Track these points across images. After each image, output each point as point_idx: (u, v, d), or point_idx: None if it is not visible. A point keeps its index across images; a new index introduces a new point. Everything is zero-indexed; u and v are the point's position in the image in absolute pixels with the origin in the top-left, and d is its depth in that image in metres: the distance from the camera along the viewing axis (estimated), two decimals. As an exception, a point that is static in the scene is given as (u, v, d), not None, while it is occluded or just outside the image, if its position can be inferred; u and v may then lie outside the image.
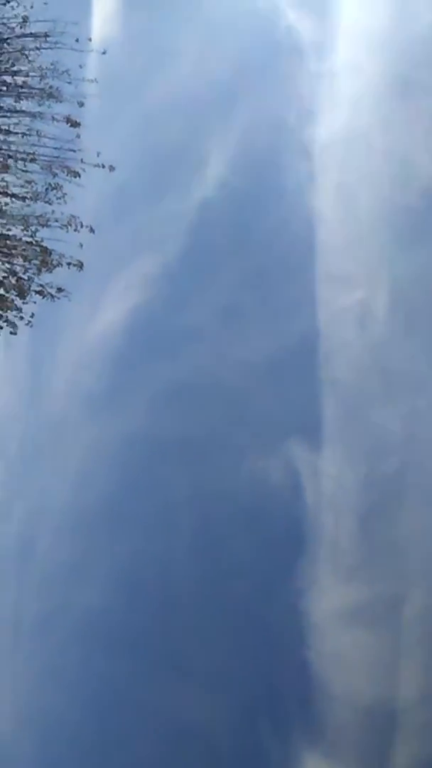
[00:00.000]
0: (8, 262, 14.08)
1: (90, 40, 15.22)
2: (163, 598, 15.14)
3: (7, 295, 14.04)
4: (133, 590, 15.22)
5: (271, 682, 14.73)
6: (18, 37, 14.47)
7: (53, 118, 14.51)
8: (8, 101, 14.37)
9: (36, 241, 14.23)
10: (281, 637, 14.82)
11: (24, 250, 14.08)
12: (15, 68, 14.49)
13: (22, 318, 14.22)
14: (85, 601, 14.92)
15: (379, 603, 14.76)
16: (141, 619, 15.03)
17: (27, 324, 14.23)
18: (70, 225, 14.35)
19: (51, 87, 14.56)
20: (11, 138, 14.39)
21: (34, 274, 14.19)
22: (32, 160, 14.37)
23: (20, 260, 14.05)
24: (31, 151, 14.38)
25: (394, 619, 14.65)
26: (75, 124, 14.49)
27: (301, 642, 14.64)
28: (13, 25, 14.54)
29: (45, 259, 14.08)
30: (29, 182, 14.37)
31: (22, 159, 14.26)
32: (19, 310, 14.13)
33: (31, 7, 14.45)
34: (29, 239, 14.20)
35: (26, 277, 14.16)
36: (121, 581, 15.16)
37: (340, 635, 14.63)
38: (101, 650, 15.10)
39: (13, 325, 14.19)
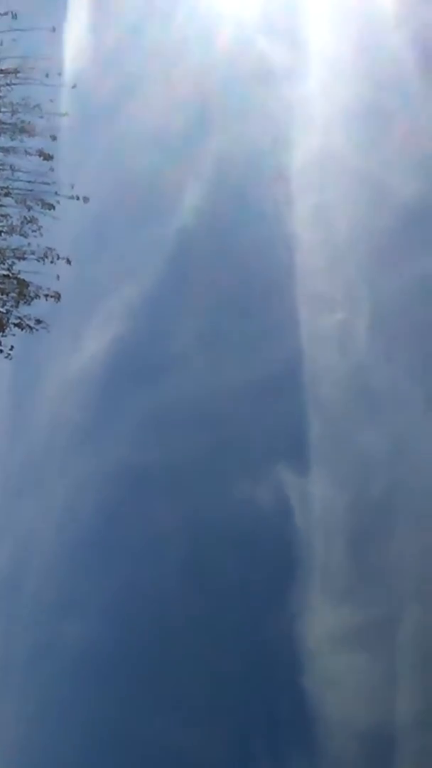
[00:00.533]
0: (-15, 296, 14.09)
1: (60, 74, 15.38)
2: (154, 627, 14.97)
3: (-15, 328, 14.02)
4: (124, 621, 15.06)
5: (266, 709, 14.54)
6: (-12, 74, 14.58)
7: (26, 152, 14.64)
8: (-19, 138, 14.47)
9: (13, 274, 14.25)
10: (275, 663, 14.65)
11: (1, 283, 14.08)
12: (-13, 104, 14.58)
13: (1, 351, 14.19)
14: (76, 633, 14.76)
15: (373, 626, 14.63)
16: (133, 649, 14.85)
17: (6, 357, 14.19)
18: (47, 257, 14.41)
19: (23, 122, 14.69)
20: (-15, 173, 14.45)
21: (12, 306, 14.19)
22: (6, 194, 14.44)
23: (-3, 294, 14.06)
24: (5, 186, 14.44)
25: (388, 642, 14.51)
26: (48, 158, 14.60)
27: (295, 667, 14.48)
28: (-17, 62, 14.66)
29: (22, 291, 14.11)
30: (4, 216, 14.41)
31: (-4, 193, 14.32)
32: (-2, 343, 14.11)
33: (1, 43, 14.58)
34: (6, 272, 14.22)
35: (4, 310, 14.15)
36: (111, 613, 14.99)
37: (334, 659, 14.48)
38: (93, 682, 14.90)
39: (-8, 358, 14.14)
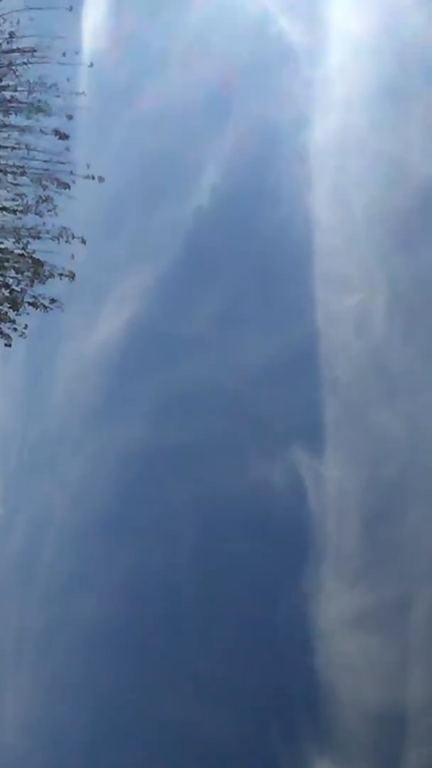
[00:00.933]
0: (1, 275, 14.16)
1: (77, 53, 15.38)
2: (167, 606, 15.05)
3: (0, 307, 14.12)
4: (138, 600, 15.15)
5: (278, 690, 14.57)
6: (5, 52, 14.60)
7: (42, 132, 14.67)
8: (-3, 116, 14.53)
9: (28, 253, 14.33)
10: (288, 644, 14.67)
11: (16, 262, 14.16)
12: (3, 83, 14.62)
13: (15, 329, 14.28)
14: (89, 612, 14.87)
15: (386, 607, 14.59)
16: (146, 628, 14.94)
17: (21, 335, 14.29)
18: (62, 237, 14.46)
19: (39, 101, 14.72)
20: (1, 152, 14.49)
21: (26, 285, 14.28)
22: (22, 174, 14.51)
23: (12, 272, 14.13)
24: (21, 165, 14.51)
25: (401, 623, 14.46)
26: (64, 137, 14.63)
27: (307, 648, 14.49)
28: (0, 41, 14.69)
29: (37, 270, 14.18)
30: (20, 195, 14.48)
31: (12, 173, 14.39)
32: (13, 321, 14.20)
33: (18, 22, 14.60)
34: (21, 251, 14.29)
35: (19, 289, 14.23)
36: (125, 591, 15.10)
37: (347, 640, 14.46)
38: (106, 661, 15.02)
39: (7, 337, 14.25)
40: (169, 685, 14.85)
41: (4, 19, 14.73)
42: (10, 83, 14.62)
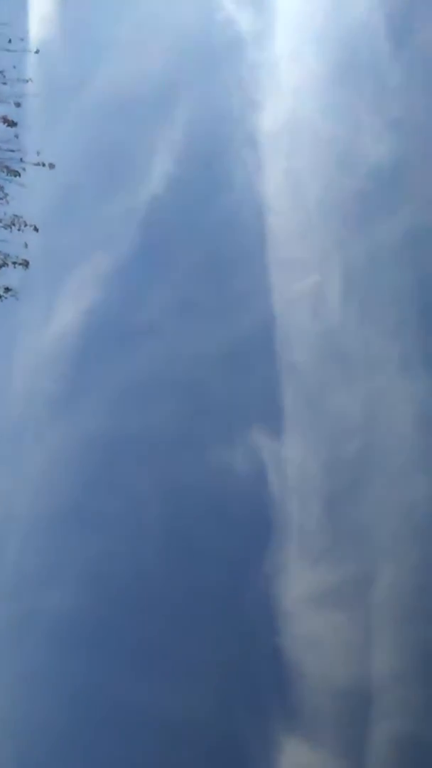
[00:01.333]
0: None
1: (23, 40, 15.20)
2: (133, 593, 15.07)
3: None
4: (104, 588, 15.15)
5: (245, 671, 14.69)
6: None
7: (-10, 119, 14.46)
8: None
9: (-21, 243, 14.15)
10: (253, 625, 14.79)
11: (-33, 251, 13.99)
12: None
13: (-31, 320, 14.10)
14: (56, 602, 14.83)
15: (349, 584, 14.78)
16: (112, 615, 14.95)
17: (-25, 326, 14.11)
18: (14, 225, 14.30)
19: (-15, 88, 14.50)
20: None
21: (-21, 275, 14.10)
22: (-29, 162, 14.29)
23: (-36, 262, 13.96)
24: (-30, 153, 14.29)
25: (364, 600, 14.68)
26: (12, 124, 14.48)
27: (273, 628, 14.63)
28: None
29: (-11, 259, 14.00)
30: (-31, 184, 14.28)
31: (-39, 161, 14.18)
32: (-34, 312, 14.01)
33: (-39, 9, 14.37)
34: (-28, 240, 14.12)
35: (-29, 279, 14.06)
36: (91, 580, 15.07)
37: (311, 619, 14.63)
38: (74, 650, 15.00)
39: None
40: (137, 670, 14.89)
41: None
42: None
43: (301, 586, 15.11)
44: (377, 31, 18.50)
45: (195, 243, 18.07)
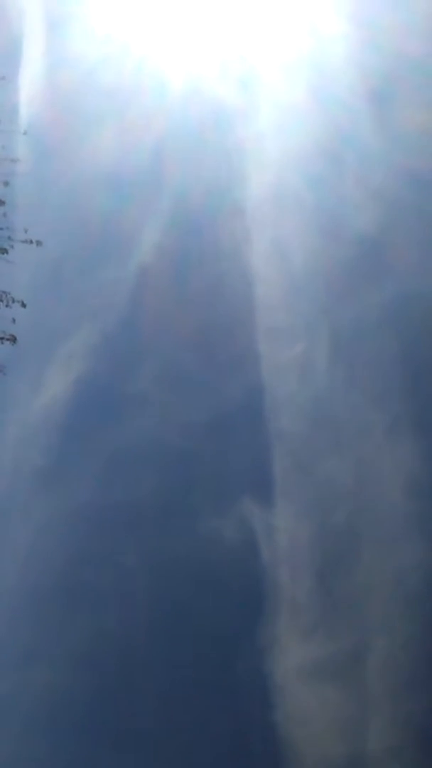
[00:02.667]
0: None
1: (12, 121, 15.59)
2: (124, 668, 14.80)
3: None
4: (92, 665, 14.85)
5: (239, 747, 14.33)
6: None
7: (-22, 199, 14.73)
8: None
9: (-33, 320, 14.28)
10: (246, 700, 14.50)
11: None
12: None
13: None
14: (43, 682, 14.49)
15: (342, 656, 14.54)
16: (103, 692, 14.66)
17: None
18: (1, 301, 14.44)
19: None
20: None
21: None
22: (-41, 241, 14.51)
23: None
24: (-42, 232, 14.52)
25: (358, 672, 14.39)
26: (0, 203, 14.70)
27: (266, 704, 14.32)
28: None
29: (-23, 336, 14.11)
30: (-43, 261, 14.48)
31: None
32: None
33: None
34: (-40, 318, 14.25)
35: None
36: (79, 656, 14.78)
37: (305, 693, 14.35)
38: (62, 730, 14.62)
39: None
40: (127, 749, 14.51)
41: None
42: None
43: (294, 660, 14.86)
44: (359, 105, 18.96)
45: (183, 312, 18.24)
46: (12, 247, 14.65)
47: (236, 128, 19.78)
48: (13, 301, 14.54)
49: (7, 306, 14.49)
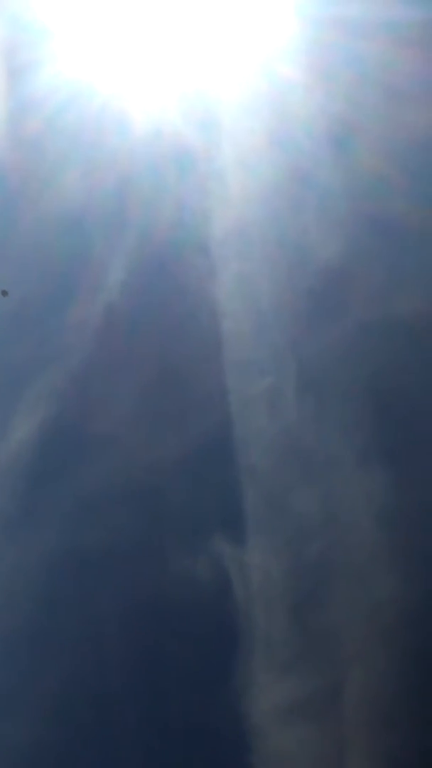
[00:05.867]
0: None
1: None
2: (96, 718, 14.51)
3: None
4: (66, 714, 14.56)
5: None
6: None
7: None
8: None
9: None
10: (222, 745, 14.21)
11: None
12: None
13: None
14: (12, 738, 14.18)
15: (319, 694, 14.35)
16: (74, 745, 14.32)
17: None
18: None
19: None
20: None
21: None
22: None
23: None
24: None
25: (335, 709, 14.19)
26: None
27: (243, 745, 14.05)
28: None
29: None
30: None
31: None
32: None
33: None
34: None
35: None
36: (50, 708, 14.49)
37: (282, 733, 14.12)
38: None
39: None
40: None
41: None
42: None
43: (271, 699, 14.66)
44: (317, 148, 19.14)
45: (150, 350, 18.23)
46: (-27, 291, 14.60)
47: (198, 167, 19.91)
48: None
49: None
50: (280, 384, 17.68)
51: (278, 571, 15.78)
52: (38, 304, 17.90)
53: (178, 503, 16.38)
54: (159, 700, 15.00)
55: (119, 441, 16.98)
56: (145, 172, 19.83)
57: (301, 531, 16.09)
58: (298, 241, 18.81)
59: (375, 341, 17.56)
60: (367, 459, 16.60)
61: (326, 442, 16.95)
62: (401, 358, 17.29)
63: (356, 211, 18.02)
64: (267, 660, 15.01)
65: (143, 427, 17.26)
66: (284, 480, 16.65)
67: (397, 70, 18.14)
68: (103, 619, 15.43)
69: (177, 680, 15.09)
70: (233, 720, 14.52)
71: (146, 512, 16.21)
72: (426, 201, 17.66)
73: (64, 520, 16.06)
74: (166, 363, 18.16)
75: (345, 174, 18.21)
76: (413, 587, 15.28)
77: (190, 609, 15.48)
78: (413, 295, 17.16)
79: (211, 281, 18.85)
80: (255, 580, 15.73)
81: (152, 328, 18.59)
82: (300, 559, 15.83)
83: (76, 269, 18.58)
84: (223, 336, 18.23)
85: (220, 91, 20.38)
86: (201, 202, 19.46)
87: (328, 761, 14.10)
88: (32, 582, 15.61)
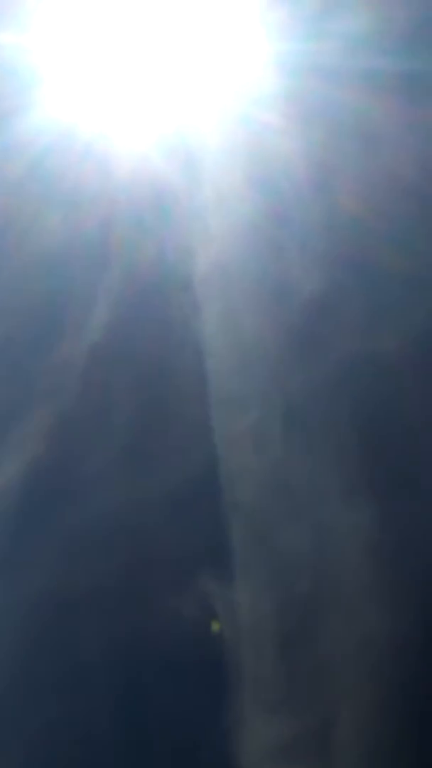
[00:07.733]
0: None
1: None
2: (83, 760, 14.39)
3: None
4: (51, 757, 14.45)
5: None
6: None
7: None
8: None
9: None
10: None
11: None
12: None
13: None
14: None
15: (309, 733, 14.25)
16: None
17: None
18: None
19: None
20: None
21: None
22: None
23: None
24: None
25: (326, 747, 14.10)
26: None
27: (233, 789, 13.96)
28: None
29: None
30: None
31: None
32: None
33: None
34: None
35: None
36: (36, 751, 14.38)
37: (273, 775, 14.00)
38: None
39: None
40: None
41: None
42: None
43: (260, 740, 14.56)
44: (299, 180, 19.49)
45: (135, 389, 18.36)
46: None
47: (180, 206, 20.26)
48: None
49: None
50: (266, 419, 17.83)
51: (266, 608, 15.77)
52: (22, 345, 18.08)
53: (165, 542, 16.41)
54: (145, 742, 14.88)
55: (106, 480, 17.05)
56: (127, 213, 20.15)
57: (289, 567, 16.11)
58: (280, 278, 19.07)
59: (360, 374, 17.75)
60: (354, 494, 16.69)
61: (313, 477, 17.04)
62: (385, 393, 17.45)
63: (335, 250, 18.30)
64: (255, 699, 14.94)
65: (129, 466, 17.33)
66: (271, 516, 16.71)
67: (374, 118, 18.57)
68: (88, 660, 15.36)
69: (164, 722, 15.00)
70: (221, 762, 14.41)
71: (132, 552, 16.23)
72: (400, 241, 17.97)
73: (48, 561, 16.05)
74: (151, 401, 18.29)
75: (323, 214, 18.51)
76: (403, 623, 15.26)
77: (177, 649, 15.44)
78: (394, 331, 17.36)
79: (195, 318, 19.07)
80: (243, 618, 15.71)
81: (137, 367, 18.74)
82: (288, 596, 15.83)
83: (59, 310, 18.78)
84: (208, 373, 18.42)
85: (201, 135, 20.80)
86: (183, 242, 19.76)
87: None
88: (18, 623, 15.58)
